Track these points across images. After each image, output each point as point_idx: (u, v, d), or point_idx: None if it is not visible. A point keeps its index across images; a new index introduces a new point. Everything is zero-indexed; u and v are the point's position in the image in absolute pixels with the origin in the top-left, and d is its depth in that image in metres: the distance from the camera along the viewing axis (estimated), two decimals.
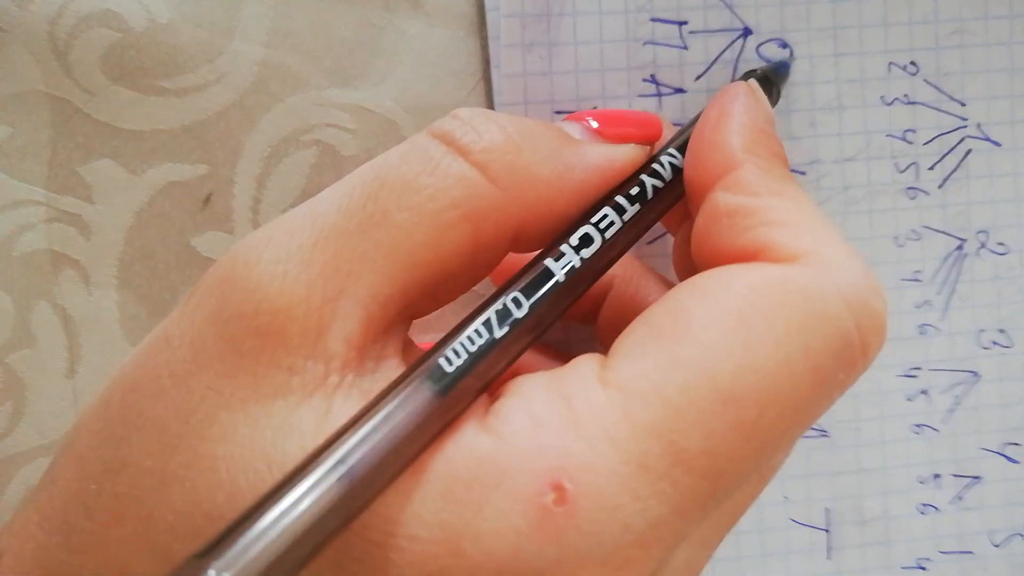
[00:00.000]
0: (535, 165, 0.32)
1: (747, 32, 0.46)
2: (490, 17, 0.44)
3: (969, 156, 0.47)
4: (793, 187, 0.34)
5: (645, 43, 0.45)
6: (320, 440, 0.28)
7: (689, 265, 0.37)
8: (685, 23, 0.45)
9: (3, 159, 0.43)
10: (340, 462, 0.27)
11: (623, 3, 0.45)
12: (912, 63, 0.46)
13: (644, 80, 0.45)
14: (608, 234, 0.34)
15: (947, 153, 0.47)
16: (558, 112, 0.45)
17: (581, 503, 0.28)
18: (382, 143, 0.45)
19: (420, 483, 0.29)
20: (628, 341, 0.31)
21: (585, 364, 0.31)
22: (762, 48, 0.45)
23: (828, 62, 0.46)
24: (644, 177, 0.36)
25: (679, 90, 0.45)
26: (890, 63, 0.46)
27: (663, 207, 0.37)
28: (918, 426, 0.48)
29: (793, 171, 0.46)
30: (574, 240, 0.33)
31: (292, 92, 0.44)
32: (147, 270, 0.44)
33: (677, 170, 0.37)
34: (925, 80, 0.47)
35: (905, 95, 0.47)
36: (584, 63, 0.45)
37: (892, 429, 0.48)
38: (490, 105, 0.45)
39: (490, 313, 0.31)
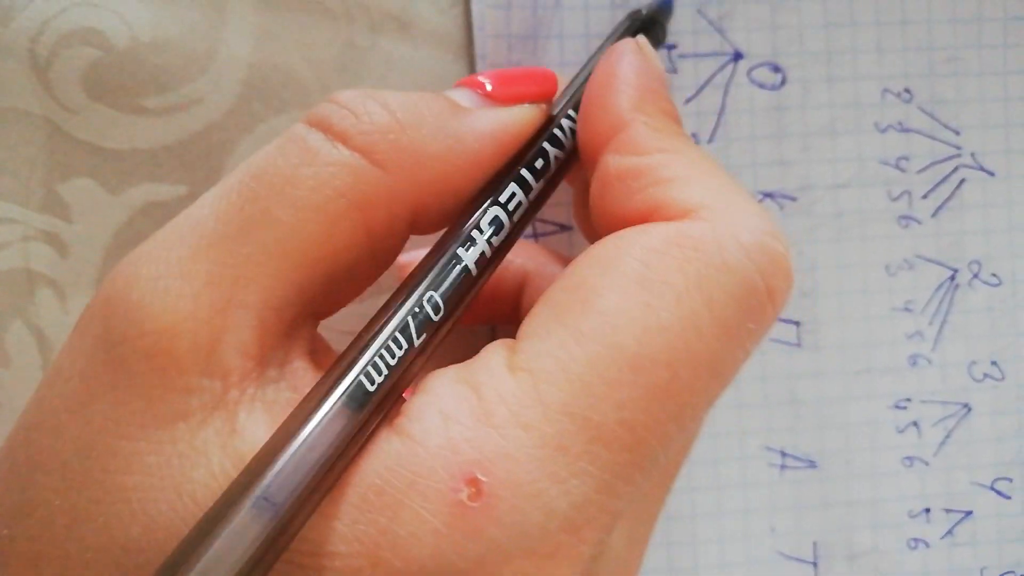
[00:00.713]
0: (422, 142, 0.31)
1: (738, 56, 0.45)
2: (478, 39, 0.44)
3: (963, 185, 0.46)
4: (683, 141, 0.33)
5: None
6: (228, 463, 0.27)
7: (589, 226, 0.37)
8: (674, 47, 0.44)
9: None
10: (263, 497, 0.25)
11: (610, 25, 0.44)
12: (906, 90, 0.46)
13: None
14: (516, 215, 0.33)
15: (941, 182, 0.46)
16: None
17: (499, 494, 0.27)
18: None
19: (337, 499, 0.27)
20: (533, 323, 0.30)
21: (493, 352, 0.30)
22: (754, 72, 0.45)
23: (821, 87, 0.45)
24: (547, 147, 0.34)
25: None
26: (884, 89, 0.46)
27: (564, 173, 0.36)
28: (909, 459, 0.47)
29: (784, 197, 0.45)
30: (484, 224, 0.32)
31: (275, 113, 0.44)
32: None
33: (575, 133, 0.36)
34: (919, 107, 0.46)
35: (899, 122, 0.46)
36: None
37: (882, 461, 0.47)
38: None
39: (406, 318, 0.29)
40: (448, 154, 0.31)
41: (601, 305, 0.29)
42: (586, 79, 0.36)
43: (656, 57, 0.36)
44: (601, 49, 0.39)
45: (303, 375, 0.30)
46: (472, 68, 0.44)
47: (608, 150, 0.33)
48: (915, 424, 0.47)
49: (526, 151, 0.34)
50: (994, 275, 0.47)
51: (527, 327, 0.30)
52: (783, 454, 0.47)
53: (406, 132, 0.30)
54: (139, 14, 0.42)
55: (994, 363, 0.47)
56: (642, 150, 0.32)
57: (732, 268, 0.29)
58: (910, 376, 0.47)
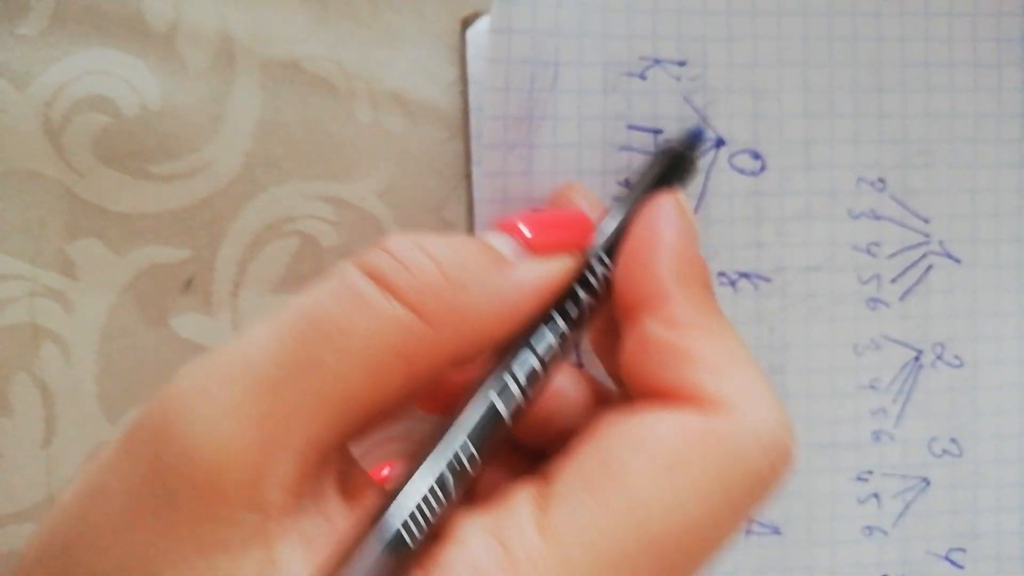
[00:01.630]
0: (470, 302, 0.32)
1: (720, 143, 0.46)
2: (473, 117, 0.45)
3: (930, 271, 0.48)
4: (717, 319, 0.34)
5: (621, 148, 0.45)
6: None
7: (606, 354, 0.39)
8: (660, 131, 0.45)
9: None
10: None
11: (601, 109, 0.45)
12: (880, 179, 0.47)
13: (619, 183, 0.45)
14: (548, 360, 0.34)
15: (909, 267, 0.47)
16: (536, 211, 0.44)
17: None
18: (363, 236, 0.45)
19: None
20: (563, 488, 0.31)
21: (522, 506, 0.31)
22: (734, 158, 0.46)
23: (799, 174, 0.46)
24: (581, 293, 0.35)
25: None
26: (859, 178, 0.47)
27: (593, 316, 0.36)
28: (868, 528, 0.48)
29: (759, 277, 0.46)
30: (518, 371, 0.33)
31: (277, 182, 0.44)
32: (126, 347, 0.44)
33: (607, 277, 0.36)
34: (892, 196, 0.47)
35: (872, 209, 0.47)
36: (562, 165, 0.44)
37: (843, 530, 0.48)
38: (471, 203, 0.45)
39: (444, 470, 0.30)
40: (491, 310, 0.33)
41: (631, 485, 0.30)
42: (622, 223, 0.37)
43: (692, 215, 0.37)
44: (638, 192, 0.38)
45: (335, 505, 0.30)
46: (467, 145, 0.45)
47: (648, 315, 0.34)
48: (876, 496, 0.48)
49: (561, 297, 0.35)
50: (956, 357, 0.48)
51: (557, 490, 0.31)
52: (749, 520, 0.48)
53: (454, 290, 0.31)
54: (149, 84, 0.44)
55: (953, 440, 0.48)
56: (682, 326, 0.33)
57: (750, 465, 0.31)
58: (873, 450, 0.48)
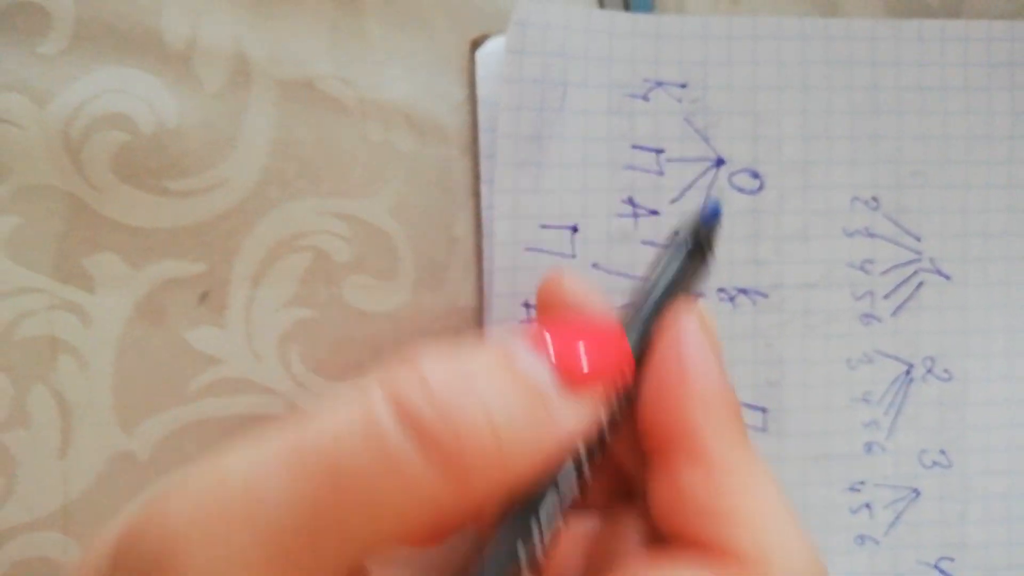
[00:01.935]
0: (510, 454, 0.28)
1: (720, 162, 0.47)
2: (483, 136, 0.46)
3: (921, 288, 0.49)
4: (753, 464, 0.33)
5: (625, 167, 0.46)
6: None
7: (628, 455, 0.37)
8: (663, 151, 0.47)
9: (11, 247, 0.44)
10: None
11: (606, 130, 0.46)
12: (874, 199, 0.48)
13: (622, 201, 0.46)
14: (568, 498, 0.32)
15: (901, 284, 0.49)
16: (544, 226, 0.46)
17: None
18: (374, 251, 0.46)
19: None
20: None
21: None
22: (734, 177, 0.47)
23: (796, 194, 0.48)
24: (605, 430, 0.33)
25: (654, 212, 0.47)
26: (854, 198, 0.48)
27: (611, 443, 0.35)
28: (860, 537, 0.49)
29: (756, 293, 0.47)
30: (543, 515, 0.30)
31: (290, 199, 0.45)
32: (142, 359, 0.45)
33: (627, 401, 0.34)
34: (885, 215, 0.48)
35: (866, 228, 0.48)
36: (569, 183, 0.46)
37: (836, 540, 0.49)
38: (479, 220, 0.46)
39: None
40: (528, 460, 0.29)
41: None
42: (643, 340, 0.35)
43: (715, 332, 0.35)
44: (656, 296, 0.36)
45: None
46: (476, 163, 0.46)
47: (682, 461, 0.33)
48: (868, 506, 0.49)
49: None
50: (946, 371, 0.49)
51: None
52: None
53: (501, 455, 0.28)
54: (166, 102, 0.44)
55: (943, 452, 0.49)
56: (718, 476, 0.32)
57: None
58: (865, 461, 0.49)
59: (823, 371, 0.49)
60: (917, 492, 0.50)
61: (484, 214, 0.46)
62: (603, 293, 0.39)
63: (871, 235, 0.48)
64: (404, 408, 0.27)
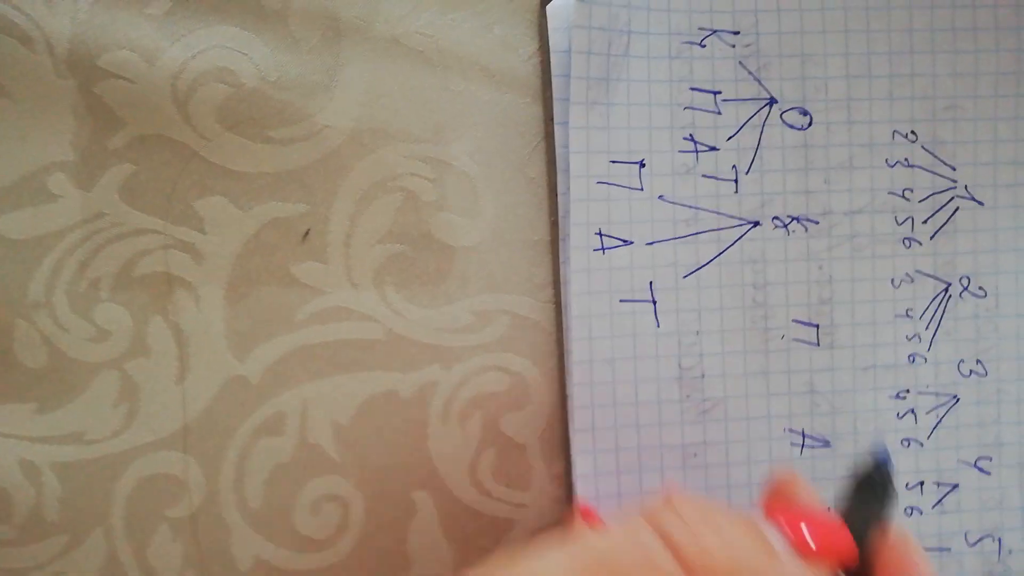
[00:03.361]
0: None
1: (772, 101, 0.48)
2: (556, 81, 0.47)
3: (957, 213, 0.50)
4: None
5: (685, 107, 0.47)
6: None
7: None
8: (719, 92, 0.48)
9: (127, 192, 0.45)
10: None
11: (668, 73, 0.47)
12: (912, 132, 0.49)
13: (684, 138, 0.47)
14: None
15: (938, 209, 0.50)
16: (613, 161, 0.47)
17: None
18: (458, 191, 0.47)
19: None
20: None
21: None
22: (785, 115, 0.48)
23: (842, 128, 0.48)
24: None
25: (713, 148, 0.48)
26: (894, 131, 0.49)
27: None
28: (907, 440, 0.51)
29: (808, 220, 0.48)
30: None
31: (382, 145, 0.46)
32: (251, 292, 0.46)
33: None
34: (923, 147, 0.49)
35: (906, 159, 0.49)
36: (635, 121, 0.47)
37: (885, 442, 0.51)
38: (552, 160, 0.47)
39: None
40: None
41: None
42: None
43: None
44: (865, 525, 0.39)
45: None
46: (547, 109, 0.47)
47: None
48: (912, 411, 0.51)
49: None
50: (981, 288, 0.50)
51: None
52: (803, 435, 0.50)
53: (736, 571, 0.32)
54: (266, 57, 0.45)
55: (979, 362, 0.51)
56: None
57: None
58: (909, 371, 0.50)
59: (869, 290, 0.50)
60: (956, 398, 0.51)
61: (558, 152, 0.47)
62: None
63: (910, 165, 0.49)
64: (663, 531, 0.33)
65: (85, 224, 0.45)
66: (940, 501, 0.51)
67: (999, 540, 0.52)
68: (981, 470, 0.52)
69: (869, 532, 0.38)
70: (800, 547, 0.34)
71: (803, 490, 0.41)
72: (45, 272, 0.45)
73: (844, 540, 0.36)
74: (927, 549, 0.51)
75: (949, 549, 0.51)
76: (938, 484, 0.51)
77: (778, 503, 0.41)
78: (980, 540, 0.52)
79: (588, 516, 0.45)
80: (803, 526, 0.35)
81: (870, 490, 0.39)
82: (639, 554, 0.32)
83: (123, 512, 0.46)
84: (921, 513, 0.51)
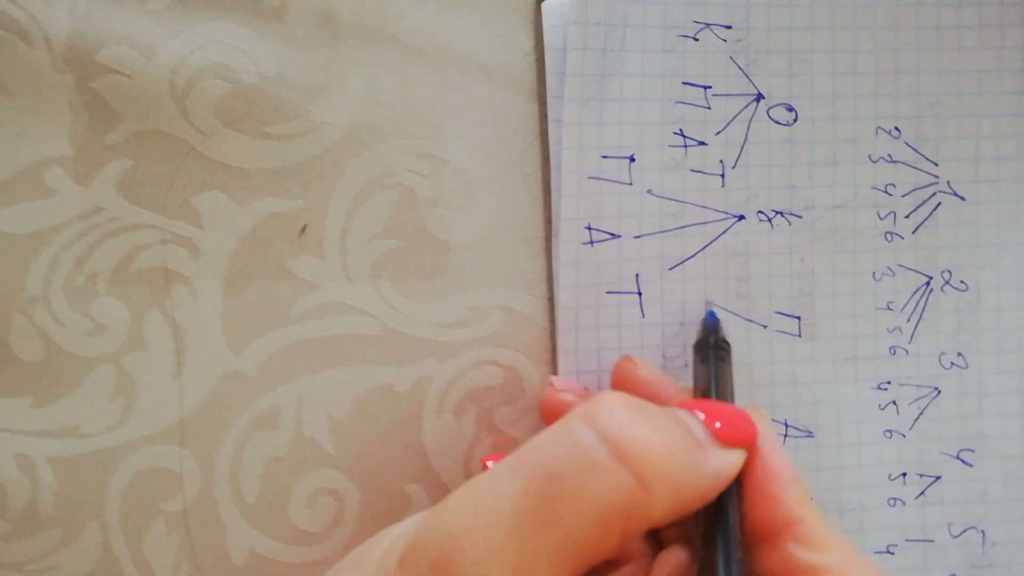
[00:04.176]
0: (678, 475, 0.34)
1: (760, 97, 0.49)
2: (550, 80, 0.48)
3: (939, 208, 0.51)
4: (831, 530, 0.39)
5: (676, 102, 0.48)
6: None
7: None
8: (710, 87, 0.49)
9: (125, 187, 0.46)
10: None
11: (660, 68, 0.48)
12: (896, 128, 0.50)
13: (674, 133, 0.48)
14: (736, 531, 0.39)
15: (920, 204, 0.51)
16: (605, 156, 0.48)
17: None
18: (453, 187, 0.48)
19: None
20: None
21: None
22: (772, 111, 0.49)
23: (827, 125, 0.50)
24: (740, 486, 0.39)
25: (702, 143, 0.49)
26: (878, 127, 0.50)
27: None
28: (889, 431, 0.52)
29: (791, 214, 0.50)
30: (733, 543, 0.38)
31: (379, 141, 0.47)
32: (248, 287, 0.47)
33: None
34: (906, 143, 0.50)
35: (889, 155, 0.51)
36: (627, 116, 0.48)
37: (867, 433, 0.52)
38: (546, 157, 0.48)
39: None
40: (693, 487, 0.35)
41: None
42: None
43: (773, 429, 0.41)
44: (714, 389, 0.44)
45: None
46: (542, 107, 0.48)
47: (789, 539, 0.38)
48: (894, 403, 0.52)
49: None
50: (962, 282, 0.52)
51: None
52: (786, 425, 0.51)
53: (672, 466, 0.34)
54: (264, 53, 0.46)
55: (960, 354, 0.52)
56: (820, 547, 0.38)
57: None
58: (890, 363, 0.52)
59: (851, 282, 0.51)
60: (938, 390, 0.52)
61: (552, 149, 0.48)
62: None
63: (893, 161, 0.51)
64: (599, 427, 0.34)
65: (82, 219, 0.45)
66: (923, 493, 0.53)
67: (983, 532, 0.53)
68: (964, 462, 0.53)
69: (728, 396, 0.43)
70: (716, 434, 0.38)
71: (643, 369, 0.46)
72: (42, 266, 0.45)
73: (745, 420, 0.39)
74: (910, 540, 0.52)
75: (933, 541, 0.53)
76: (921, 476, 0.53)
77: (625, 389, 0.46)
78: (964, 532, 0.53)
79: None
80: (716, 415, 0.38)
81: (712, 351, 0.45)
82: (576, 452, 0.33)
83: (118, 506, 0.47)
84: (904, 504, 0.52)
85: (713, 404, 0.39)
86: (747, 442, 0.39)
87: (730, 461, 0.38)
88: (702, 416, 0.38)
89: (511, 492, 0.33)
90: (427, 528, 0.34)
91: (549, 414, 0.47)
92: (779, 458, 0.40)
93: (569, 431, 0.34)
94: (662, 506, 0.34)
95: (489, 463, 0.45)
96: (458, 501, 0.34)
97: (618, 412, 0.35)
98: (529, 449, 0.34)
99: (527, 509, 0.33)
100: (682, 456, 0.35)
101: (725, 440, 0.38)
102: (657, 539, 0.44)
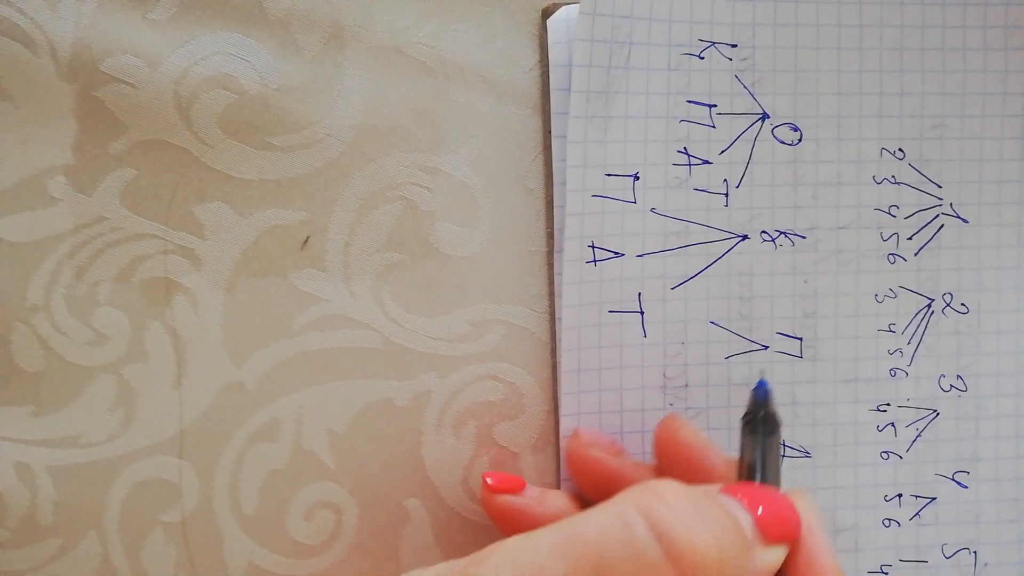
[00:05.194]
0: None
1: (765, 116, 0.50)
2: (554, 96, 0.48)
3: (942, 230, 0.52)
4: None
5: (681, 120, 0.49)
6: None
7: None
8: (715, 106, 0.49)
9: (127, 197, 0.46)
10: None
11: (666, 85, 0.48)
12: (900, 150, 0.51)
13: (678, 151, 0.49)
14: None
15: (924, 226, 0.52)
16: (609, 175, 0.49)
17: None
18: (457, 201, 0.49)
19: None
20: None
21: None
22: (776, 130, 0.50)
23: (832, 145, 0.50)
24: None
25: (706, 161, 0.50)
26: (882, 148, 0.51)
27: None
28: (885, 453, 0.53)
29: (795, 235, 0.50)
30: None
31: (382, 154, 0.48)
32: (250, 299, 0.48)
33: None
34: (910, 164, 0.51)
35: (892, 176, 0.51)
36: (631, 134, 0.48)
37: (863, 454, 0.53)
38: (550, 172, 0.49)
39: None
40: None
41: None
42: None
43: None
44: (761, 469, 0.43)
45: None
46: (546, 121, 0.49)
47: None
48: (892, 424, 0.53)
49: None
50: (963, 305, 0.52)
51: None
52: (784, 445, 0.52)
53: (721, 570, 0.34)
54: (268, 64, 0.46)
55: (959, 377, 0.53)
56: None
57: None
58: (890, 385, 0.53)
59: (853, 304, 0.52)
60: (936, 413, 0.53)
61: (556, 166, 0.49)
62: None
63: (897, 182, 0.51)
64: (657, 525, 0.33)
65: (85, 228, 0.46)
66: (918, 514, 0.53)
67: (975, 553, 0.54)
68: (959, 483, 0.54)
69: (775, 474, 0.43)
70: (762, 528, 0.37)
71: (690, 432, 0.46)
72: (44, 276, 0.46)
73: (793, 515, 0.39)
74: (904, 561, 0.53)
75: (926, 561, 0.53)
76: (916, 497, 0.53)
77: (671, 451, 0.46)
78: (956, 553, 0.54)
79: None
80: (760, 506, 0.38)
81: (761, 425, 0.44)
82: (630, 548, 0.33)
83: (117, 516, 0.47)
84: (899, 525, 0.53)
85: (762, 493, 0.39)
86: (792, 538, 0.39)
87: (773, 559, 0.38)
88: (752, 510, 0.38)
89: (555, 567, 0.33)
90: None
91: (578, 470, 0.48)
92: (823, 552, 0.40)
93: (624, 523, 0.34)
94: None
95: (489, 480, 0.46)
96: (496, 562, 0.34)
97: (676, 508, 0.34)
98: (579, 531, 0.34)
99: None
100: (732, 558, 0.35)
101: (771, 536, 0.38)
102: None
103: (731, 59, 0.49)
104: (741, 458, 0.43)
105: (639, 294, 0.50)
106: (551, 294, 0.49)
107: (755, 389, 0.45)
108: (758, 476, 0.42)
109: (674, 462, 0.39)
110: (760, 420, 0.44)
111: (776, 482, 0.42)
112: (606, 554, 0.33)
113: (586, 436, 0.47)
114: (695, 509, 0.34)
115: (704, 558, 0.33)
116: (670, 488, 0.35)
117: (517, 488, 0.46)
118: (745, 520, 0.37)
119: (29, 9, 0.44)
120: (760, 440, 0.43)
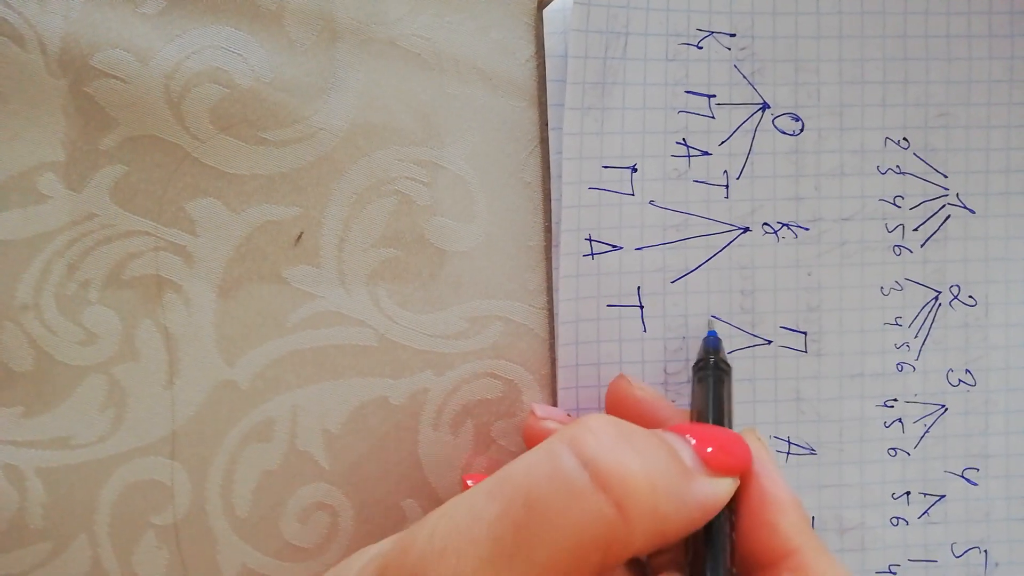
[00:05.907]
0: (662, 504, 0.34)
1: (765, 106, 0.50)
2: (550, 87, 0.48)
3: (948, 221, 0.52)
4: (832, 561, 0.38)
5: (679, 111, 0.49)
6: None
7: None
8: (714, 96, 0.49)
9: (118, 194, 0.46)
10: None
11: (663, 77, 0.48)
12: (905, 139, 0.51)
13: (677, 143, 0.49)
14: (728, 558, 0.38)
15: (930, 217, 0.52)
16: (606, 166, 0.49)
17: None
18: (452, 196, 0.48)
19: None
20: None
21: None
22: (777, 120, 0.50)
23: (834, 135, 0.50)
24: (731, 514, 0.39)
25: (705, 153, 0.49)
26: (886, 138, 0.51)
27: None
28: (893, 449, 0.52)
29: (798, 226, 0.50)
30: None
31: (376, 148, 0.48)
32: (242, 296, 0.47)
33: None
34: (915, 154, 0.51)
35: (897, 166, 0.51)
36: (629, 125, 0.48)
37: (870, 451, 0.52)
38: (546, 165, 0.49)
39: None
40: (676, 515, 0.35)
41: None
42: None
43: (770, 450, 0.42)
44: (713, 409, 0.44)
45: None
46: (542, 114, 0.49)
47: (785, 570, 0.38)
48: (899, 420, 0.52)
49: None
50: (971, 297, 0.52)
51: None
52: (789, 442, 0.52)
53: (655, 496, 0.34)
54: (261, 58, 0.46)
55: (968, 371, 0.53)
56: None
57: None
58: (897, 380, 0.52)
59: (858, 297, 0.52)
60: (944, 408, 0.53)
61: (552, 158, 0.49)
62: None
63: (902, 172, 0.51)
64: (582, 453, 0.34)
65: (75, 225, 0.46)
66: (927, 511, 0.53)
67: (985, 552, 0.54)
68: (968, 481, 0.53)
69: (727, 417, 0.44)
70: (707, 460, 0.37)
71: (639, 388, 0.46)
72: (34, 274, 0.46)
73: (740, 446, 0.39)
74: (912, 560, 0.53)
75: (936, 561, 0.53)
76: (924, 495, 0.53)
77: (622, 409, 0.47)
78: (966, 552, 0.54)
79: None
80: (703, 438, 0.38)
81: (712, 371, 0.45)
82: (557, 477, 0.33)
83: (108, 519, 0.48)
84: (908, 523, 0.53)
85: (706, 428, 0.40)
86: (740, 469, 0.39)
87: (719, 489, 0.37)
88: (693, 441, 0.38)
89: (487, 517, 0.33)
90: (401, 549, 0.35)
91: (532, 443, 0.47)
92: (776, 484, 0.39)
93: (551, 455, 0.34)
94: (642, 536, 0.34)
95: (469, 482, 0.46)
96: (434, 523, 0.35)
97: (602, 436, 0.35)
98: (509, 472, 0.35)
99: (502, 536, 0.33)
100: (666, 484, 0.35)
101: (716, 467, 0.37)
102: (645, 566, 0.44)
103: (730, 48, 0.49)
104: (692, 407, 0.44)
105: (638, 288, 0.50)
106: (549, 290, 0.49)
107: (705, 338, 0.47)
108: (710, 419, 0.43)
109: (626, 419, 0.39)
110: (710, 367, 0.45)
111: (728, 424, 0.43)
112: (535, 487, 0.33)
113: (541, 411, 0.47)
114: (621, 435, 0.35)
115: (634, 481, 0.33)
116: (598, 419, 0.35)
117: None
118: (683, 449, 0.37)
119: (17, 3, 0.44)
120: (710, 387, 0.44)
